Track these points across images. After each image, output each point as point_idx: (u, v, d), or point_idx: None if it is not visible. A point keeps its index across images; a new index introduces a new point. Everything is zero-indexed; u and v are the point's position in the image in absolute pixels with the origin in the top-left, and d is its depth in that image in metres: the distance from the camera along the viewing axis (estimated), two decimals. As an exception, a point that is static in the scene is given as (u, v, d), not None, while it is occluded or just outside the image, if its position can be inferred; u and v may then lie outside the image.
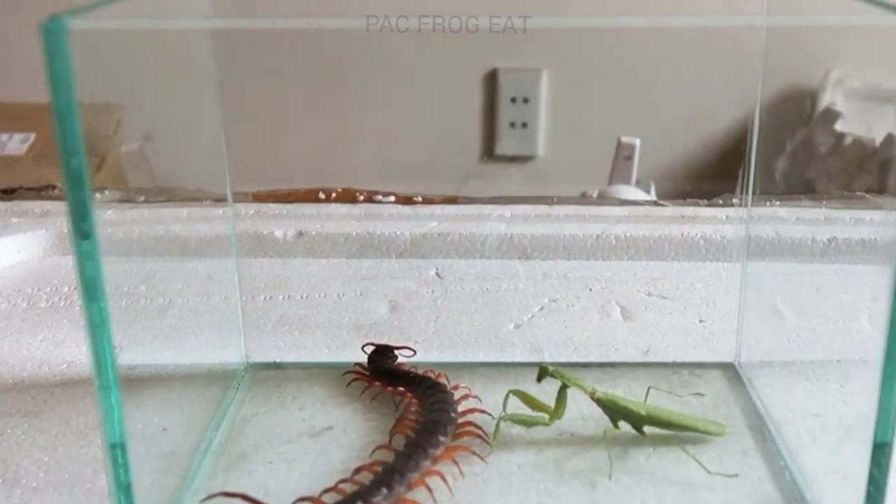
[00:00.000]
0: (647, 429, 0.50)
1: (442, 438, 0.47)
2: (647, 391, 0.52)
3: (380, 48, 1.33)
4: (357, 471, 0.46)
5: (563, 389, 0.50)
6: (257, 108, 1.29)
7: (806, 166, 1.25)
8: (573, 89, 1.46)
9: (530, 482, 0.47)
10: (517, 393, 0.51)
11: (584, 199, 0.93)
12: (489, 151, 1.49)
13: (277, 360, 0.59)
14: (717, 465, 0.48)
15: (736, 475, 0.47)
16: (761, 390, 0.54)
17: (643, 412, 0.50)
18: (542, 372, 0.50)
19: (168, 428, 0.49)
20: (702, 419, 0.51)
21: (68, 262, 0.72)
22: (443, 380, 0.53)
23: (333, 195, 0.85)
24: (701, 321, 0.66)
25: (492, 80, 1.46)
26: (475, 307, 0.68)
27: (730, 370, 0.57)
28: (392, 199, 0.84)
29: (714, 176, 1.43)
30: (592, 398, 0.50)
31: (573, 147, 1.46)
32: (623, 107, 1.41)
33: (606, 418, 0.50)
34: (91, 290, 0.37)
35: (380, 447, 0.48)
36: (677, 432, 0.50)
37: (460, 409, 0.51)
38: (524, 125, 1.48)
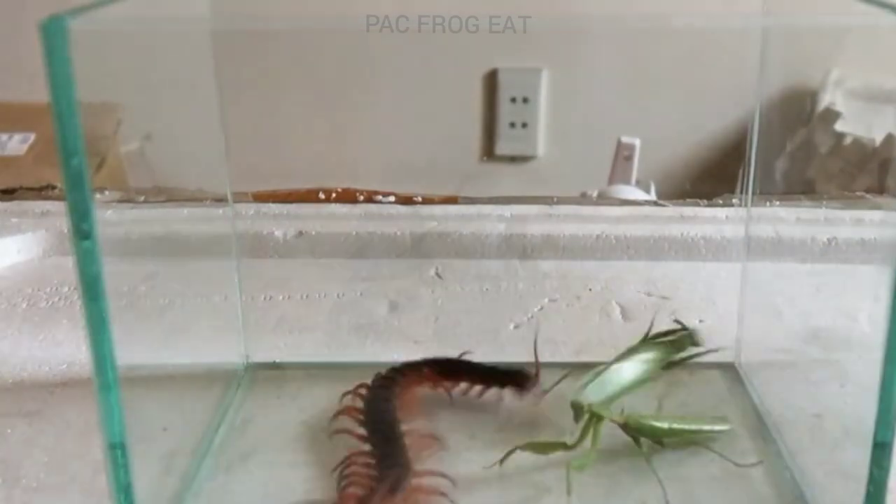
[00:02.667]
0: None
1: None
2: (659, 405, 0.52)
3: (380, 48, 1.33)
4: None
5: (597, 422, 0.47)
6: (257, 108, 1.29)
7: (806, 166, 1.25)
8: (573, 89, 1.46)
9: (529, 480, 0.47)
10: (528, 446, 0.48)
11: (584, 199, 0.93)
12: (489, 151, 1.49)
13: (277, 360, 0.59)
14: (718, 465, 0.48)
15: (761, 462, 0.48)
16: (761, 390, 0.54)
17: (667, 426, 0.49)
18: (581, 410, 0.48)
19: (168, 428, 0.49)
20: (710, 418, 0.51)
21: (68, 262, 0.72)
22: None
23: (333, 195, 0.85)
24: (701, 321, 0.66)
25: (492, 80, 1.46)
26: (475, 307, 0.68)
27: (730, 370, 0.57)
28: (392, 199, 0.84)
29: (714, 176, 1.43)
30: (623, 427, 0.48)
31: (573, 147, 1.46)
32: (623, 107, 1.41)
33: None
34: (91, 290, 0.37)
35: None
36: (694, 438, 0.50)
37: None
38: (524, 125, 1.48)
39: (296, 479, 0.48)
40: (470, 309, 0.68)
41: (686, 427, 0.50)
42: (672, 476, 0.47)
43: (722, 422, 0.51)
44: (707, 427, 0.51)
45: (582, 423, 0.48)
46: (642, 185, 1.29)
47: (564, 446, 0.47)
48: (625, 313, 0.67)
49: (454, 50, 1.35)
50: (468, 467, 0.48)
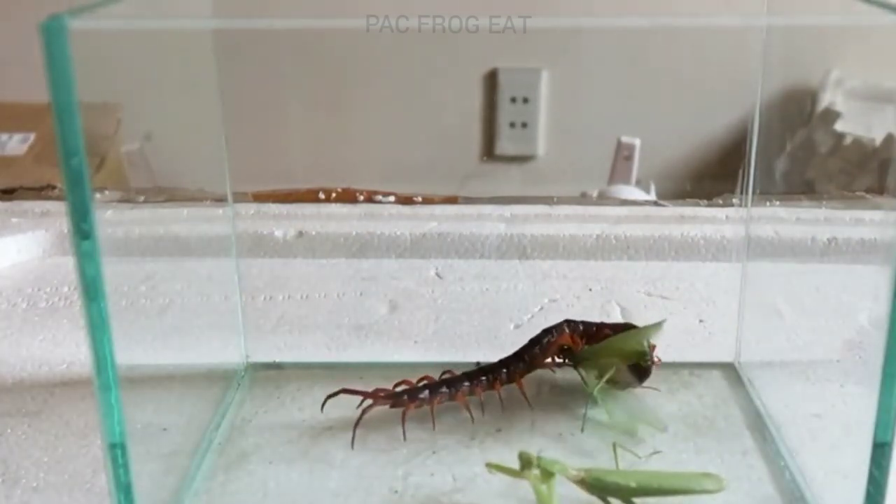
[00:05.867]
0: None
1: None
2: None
3: (380, 48, 1.33)
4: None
5: (549, 478, 0.44)
6: (257, 108, 1.29)
7: (806, 166, 1.25)
8: (573, 89, 1.46)
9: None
10: (495, 467, 0.45)
11: (584, 199, 0.93)
12: (489, 151, 1.49)
13: (277, 360, 0.59)
14: (717, 465, 0.48)
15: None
16: (761, 390, 0.54)
17: (633, 484, 0.45)
18: (526, 463, 0.44)
19: (168, 428, 0.49)
20: (696, 475, 0.46)
21: (68, 262, 0.72)
22: None
23: (333, 195, 0.85)
24: (701, 321, 0.66)
25: (492, 80, 1.46)
26: (475, 307, 0.68)
27: (730, 370, 0.57)
28: (392, 199, 0.84)
29: (714, 176, 1.43)
30: (580, 484, 0.45)
31: (573, 147, 1.46)
32: (623, 107, 1.41)
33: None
34: (91, 290, 0.37)
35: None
36: (672, 496, 0.45)
37: None
38: (524, 125, 1.48)
39: (296, 479, 0.48)
40: (470, 309, 0.68)
41: (657, 486, 0.45)
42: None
43: (714, 481, 0.46)
44: (685, 486, 0.45)
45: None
46: (642, 185, 1.30)
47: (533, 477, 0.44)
48: (625, 313, 0.67)
49: (454, 50, 1.35)
50: (467, 467, 0.48)
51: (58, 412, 0.55)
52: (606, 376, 0.52)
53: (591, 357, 0.53)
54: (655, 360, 0.53)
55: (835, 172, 1.22)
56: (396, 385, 0.52)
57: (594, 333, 0.54)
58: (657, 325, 0.53)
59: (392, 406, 0.51)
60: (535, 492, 0.44)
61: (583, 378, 0.53)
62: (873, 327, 0.38)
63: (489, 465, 0.46)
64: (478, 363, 0.54)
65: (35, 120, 1.21)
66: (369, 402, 0.51)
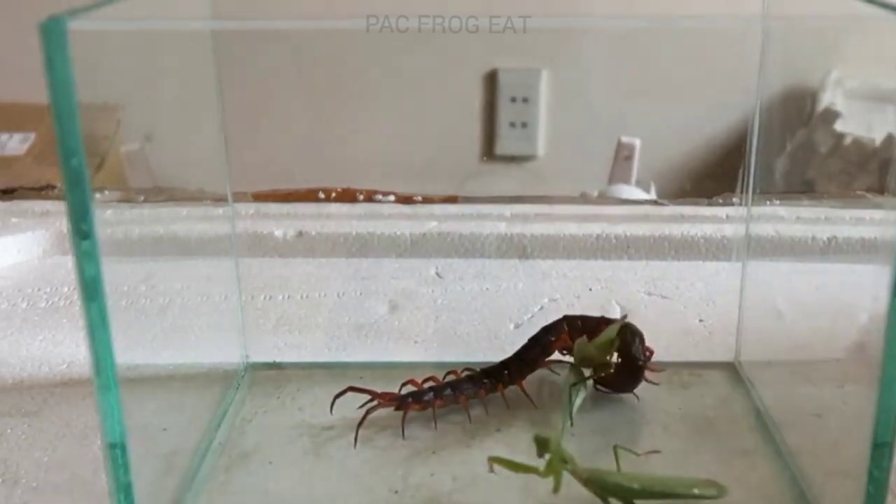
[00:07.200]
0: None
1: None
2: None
3: (380, 48, 1.33)
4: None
5: (558, 463, 0.44)
6: (257, 108, 1.29)
7: (806, 166, 1.25)
8: (573, 89, 1.46)
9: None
10: (501, 461, 0.45)
11: (584, 199, 0.93)
12: (489, 151, 1.49)
13: (277, 360, 0.59)
14: (717, 465, 0.48)
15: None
16: (761, 390, 0.54)
17: (636, 485, 0.45)
18: (543, 445, 0.44)
19: (168, 428, 0.49)
20: (700, 480, 0.46)
21: (68, 262, 0.72)
22: None
23: (333, 195, 0.85)
24: (701, 321, 0.66)
25: (492, 80, 1.46)
26: (475, 307, 0.68)
27: (730, 370, 0.57)
28: (392, 199, 0.84)
29: (714, 175, 1.43)
30: (582, 481, 0.45)
31: (573, 147, 1.46)
32: (623, 107, 1.41)
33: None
34: (91, 290, 0.37)
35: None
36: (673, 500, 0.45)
37: None
38: (524, 125, 1.48)
39: (296, 479, 0.48)
40: (470, 309, 0.68)
41: (659, 490, 0.45)
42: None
43: (717, 488, 0.46)
44: (687, 490, 0.45)
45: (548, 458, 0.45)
46: (642, 184, 1.30)
47: (536, 471, 0.44)
48: (625, 313, 0.67)
49: (454, 50, 1.35)
50: (467, 467, 0.48)
51: (58, 412, 0.55)
52: (590, 378, 0.53)
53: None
54: (647, 355, 0.53)
55: (835, 172, 1.22)
56: (403, 385, 0.52)
57: (595, 328, 0.54)
58: (617, 322, 0.53)
59: (396, 409, 0.51)
60: (554, 471, 0.44)
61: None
62: (873, 327, 0.38)
63: (491, 460, 0.46)
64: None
65: (35, 120, 1.21)
66: (374, 402, 0.51)
